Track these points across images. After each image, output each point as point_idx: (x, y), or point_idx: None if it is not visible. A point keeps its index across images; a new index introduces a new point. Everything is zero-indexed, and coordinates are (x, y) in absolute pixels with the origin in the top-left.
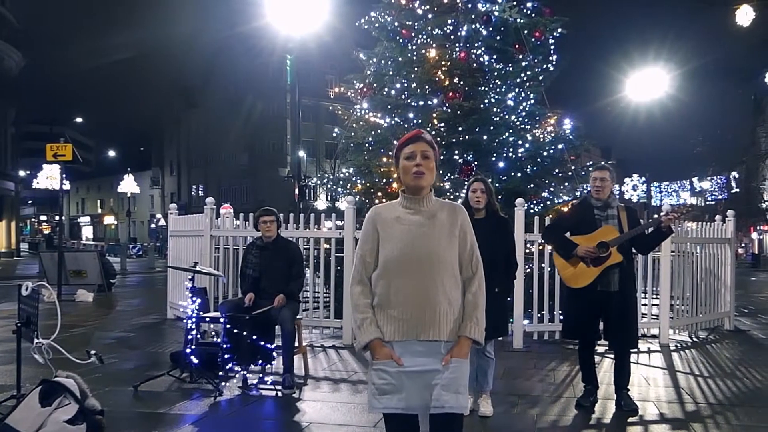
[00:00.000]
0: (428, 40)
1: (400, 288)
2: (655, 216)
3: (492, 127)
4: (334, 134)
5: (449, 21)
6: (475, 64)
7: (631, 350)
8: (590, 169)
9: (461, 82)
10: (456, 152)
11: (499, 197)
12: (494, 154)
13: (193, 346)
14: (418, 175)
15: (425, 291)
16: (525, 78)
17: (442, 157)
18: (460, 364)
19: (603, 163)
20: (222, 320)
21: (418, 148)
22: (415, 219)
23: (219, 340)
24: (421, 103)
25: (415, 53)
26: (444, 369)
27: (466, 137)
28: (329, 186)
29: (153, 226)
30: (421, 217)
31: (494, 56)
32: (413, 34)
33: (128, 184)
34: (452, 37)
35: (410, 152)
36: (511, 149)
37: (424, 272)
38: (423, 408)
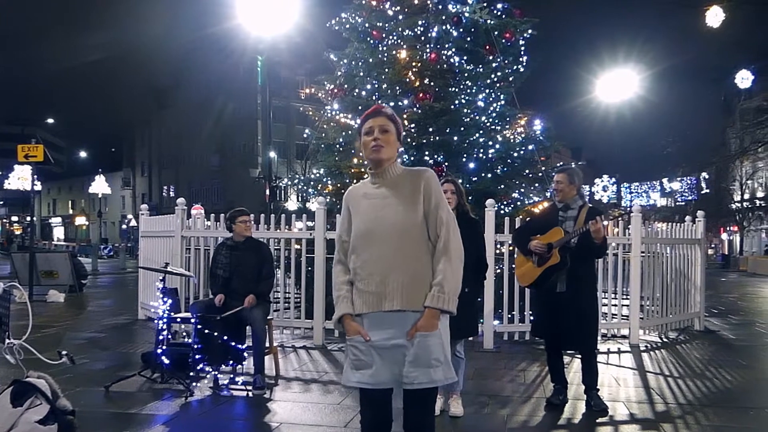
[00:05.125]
0: (399, 41)
1: (366, 261)
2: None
3: (462, 128)
4: (305, 135)
5: (420, 22)
6: (445, 65)
7: (588, 351)
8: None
9: (432, 83)
10: (426, 153)
11: (470, 198)
12: (464, 155)
13: (164, 347)
14: (375, 149)
15: (386, 262)
16: (495, 79)
17: (412, 159)
18: (428, 337)
19: (565, 165)
20: (193, 321)
21: (376, 123)
22: (379, 192)
23: (190, 340)
24: (391, 104)
25: (385, 54)
26: (411, 344)
27: (437, 138)
28: (300, 187)
29: (124, 226)
30: (385, 189)
31: (465, 57)
32: (384, 35)
33: (99, 185)
34: (423, 38)
35: (369, 128)
36: (482, 150)
37: (387, 244)
38: (393, 383)
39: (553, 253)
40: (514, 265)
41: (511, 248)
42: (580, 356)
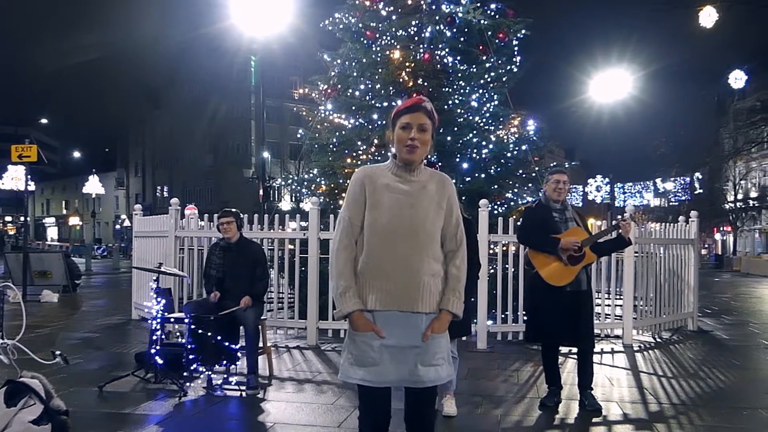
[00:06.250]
0: (392, 41)
1: (385, 258)
2: (614, 221)
3: (456, 128)
4: (299, 135)
5: (413, 22)
6: (439, 66)
7: (592, 348)
8: (545, 172)
9: (425, 84)
10: None
11: (463, 198)
12: (458, 155)
13: (157, 347)
14: (410, 150)
15: (409, 263)
16: (489, 79)
17: None
18: (441, 337)
19: (560, 166)
20: (186, 321)
21: (415, 121)
22: (404, 188)
23: (184, 340)
24: (385, 104)
25: (379, 54)
26: (423, 345)
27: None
28: (293, 187)
29: (118, 226)
30: (411, 187)
31: (458, 57)
32: (377, 36)
33: (93, 185)
34: (416, 38)
35: (406, 123)
36: (475, 150)
37: (410, 244)
38: (398, 382)
39: (585, 251)
40: (507, 265)
41: (504, 248)
42: (577, 356)
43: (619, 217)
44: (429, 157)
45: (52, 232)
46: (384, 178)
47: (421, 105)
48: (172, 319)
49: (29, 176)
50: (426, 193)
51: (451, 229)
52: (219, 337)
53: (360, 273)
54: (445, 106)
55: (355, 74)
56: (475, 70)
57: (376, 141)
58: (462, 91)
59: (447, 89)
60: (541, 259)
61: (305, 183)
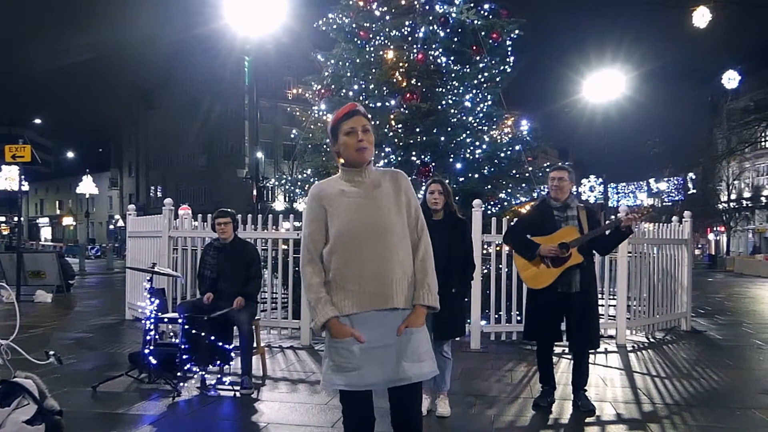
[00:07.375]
0: (386, 41)
1: (354, 261)
2: (612, 217)
3: (449, 129)
4: (292, 135)
5: (407, 22)
6: (432, 66)
7: (591, 351)
8: (548, 170)
9: (419, 84)
10: (413, 153)
11: (457, 198)
12: (452, 156)
13: (151, 347)
14: (362, 151)
15: (379, 262)
16: (482, 79)
17: (399, 159)
18: (418, 332)
19: (561, 163)
20: (180, 321)
21: (357, 124)
22: (361, 191)
23: (177, 340)
24: (378, 104)
25: (372, 55)
26: (402, 341)
27: (424, 138)
28: (287, 187)
29: (111, 227)
30: (365, 188)
31: (452, 58)
32: (371, 36)
33: (87, 185)
34: (410, 38)
35: (350, 128)
36: (469, 150)
37: (376, 243)
38: (383, 383)
39: (572, 252)
40: (501, 265)
41: (498, 248)
42: (572, 356)
43: (613, 217)
44: (423, 157)
45: (46, 233)
46: (337, 186)
47: (356, 109)
48: (165, 320)
49: (23, 176)
50: (381, 191)
51: (411, 220)
52: (213, 337)
53: (333, 281)
54: (439, 107)
55: (348, 74)
56: (468, 70)
57: None
58: (455, 91)
59: (440, 89)
60: (522, 261)
61: (299, 183)
